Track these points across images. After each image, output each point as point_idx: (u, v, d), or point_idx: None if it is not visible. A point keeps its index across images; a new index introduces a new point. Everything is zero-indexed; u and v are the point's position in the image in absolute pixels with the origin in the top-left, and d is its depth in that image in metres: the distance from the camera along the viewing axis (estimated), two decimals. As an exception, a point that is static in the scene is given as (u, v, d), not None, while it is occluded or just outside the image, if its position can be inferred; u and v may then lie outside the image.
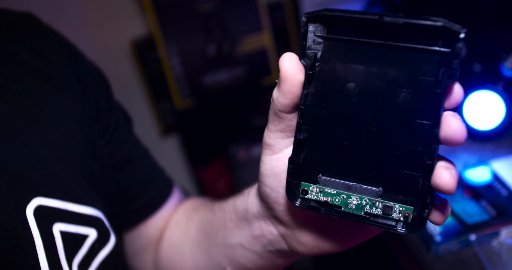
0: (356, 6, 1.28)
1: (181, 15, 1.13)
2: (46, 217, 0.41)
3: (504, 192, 0.72)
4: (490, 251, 0.66)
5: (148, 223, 0.58)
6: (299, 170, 0.35)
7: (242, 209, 0.45)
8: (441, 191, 0.30)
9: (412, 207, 0.32)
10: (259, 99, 1.27)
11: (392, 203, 0.32)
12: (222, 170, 1.39)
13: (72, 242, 0.42)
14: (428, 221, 0.32)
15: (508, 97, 0.81)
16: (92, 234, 0.45)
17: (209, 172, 1.39)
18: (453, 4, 1.15)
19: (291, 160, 0.34)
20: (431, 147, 0.30)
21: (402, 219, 0.32)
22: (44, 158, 0.43)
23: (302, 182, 0.35)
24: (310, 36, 0.32)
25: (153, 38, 1.16)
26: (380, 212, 0.33)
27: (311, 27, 0.32)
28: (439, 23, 0.28)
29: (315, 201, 0.35)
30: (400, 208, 0.32)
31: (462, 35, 0.28)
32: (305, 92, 0.32)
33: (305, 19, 0.32)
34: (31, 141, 0.43)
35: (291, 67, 0.31)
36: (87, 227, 0.44)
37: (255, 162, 1.37)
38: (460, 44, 0.28)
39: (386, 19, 0.29)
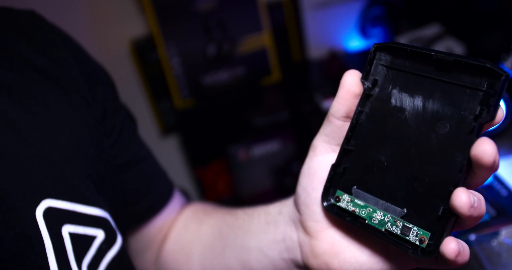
0: (356, 6, 1.28)
1: (181, 15, 1.13)
2: (55, 219, 0.41)
3: (504, 192, 0.72)
4: (490, 251, 0.66)
5: (150, 224, 0.58)
6: (338, 178, 0.38)
7: (275, 212, 0.46)
8: (457, 212, 0.30)
9: (429, 233, 0.33)
10: (259, 99, 1.27)
11: (411, 225, 0.34)
12: (222, 170, 1.39)
13: (81, 243, 0.42)
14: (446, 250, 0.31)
15: (508, 97, 0.81)
16: (100, 235, 0.44)
17: (209, 172, 1.39)
18: (453, 4, 1.15)
19: (334, 167, 0.37)
20: (457, 176, 0.31)
21: (417, 242, 0.33)
22: (52, 159, 0.43)
23: (338, 190, 0.38)
24: (376, 63, 0.36)
25: (153, 38, 1.16)
26: (399, 232, 0.34)
27: (377, 56, 0.36)
28: (486, 65, 0.30)
29: (344, 209, 0.37)
30: (418, 232, 0.33)
31: (503, 77, 0.30)
32: (359, 108, 0.36)
33: (374, 48, 0.36)
34: (39, 142, 0.43)
35: (351, 78, 0.36)
36: (95, 228, 0.44)
37: (255, 162, 1.38)
38: (499, 85, 0.30)
39: (440, 55, 0.33)
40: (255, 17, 1.18)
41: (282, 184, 1.38)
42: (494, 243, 0.67)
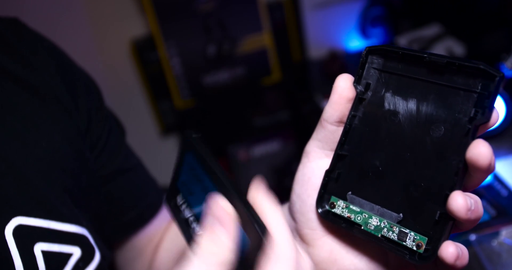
0: (356, 6, 1.28)
1: (181, 15, 1.13)
2: (26, 237, 0.39)
3: (504, 192, 0.72)
4: (490, 251, 0.66)
5: (140, 234, 0.57)
6: (332, 184, 0.37)
7: None
8: (454, 216, 0.30)
9: (426, 238, 0.32)
10: (259, 99, 1.27)
11: (408, 230, 0.33)
12: (222, 170, 1.39)
13: (55, 261, 0.41)
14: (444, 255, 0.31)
15: (508, 97, 0.81)
16: (76, 252, 0.43)
17: (209, 172, 1.39)
18: (454, 4, 1.15)
19: (328, 172, 0.37)
20: (453, 179, 0.31)
21: (414, 247, 0.32)
22: (25, 175, 0.41)
23: (332, 196, 0.37)
24: (368, 66, 0.36)
25: (153, 38, 1.16)
26: (396, 237, 0.33)
27: (369, 59, 0.36)
28: (479, 66, 0.30)
29: (339, 216, 0.37)
30: (415, 237, 0.33)
31: (497, 78, 0.30)
32: (352, 113, 0.36)
33: (365, 52, 0.36)
34: (12, 157, 0.41)
35: (344, 83, 0.35)
36: (70, 245, 0.43)
37: (255, 162, 1.38)
38: (494, 86, 0.30)
39: (433, 57, 0.32)
40: (255, 17, 1.18)
41: (282, 184, 1.38)
42: (494, 243, 0.67)
